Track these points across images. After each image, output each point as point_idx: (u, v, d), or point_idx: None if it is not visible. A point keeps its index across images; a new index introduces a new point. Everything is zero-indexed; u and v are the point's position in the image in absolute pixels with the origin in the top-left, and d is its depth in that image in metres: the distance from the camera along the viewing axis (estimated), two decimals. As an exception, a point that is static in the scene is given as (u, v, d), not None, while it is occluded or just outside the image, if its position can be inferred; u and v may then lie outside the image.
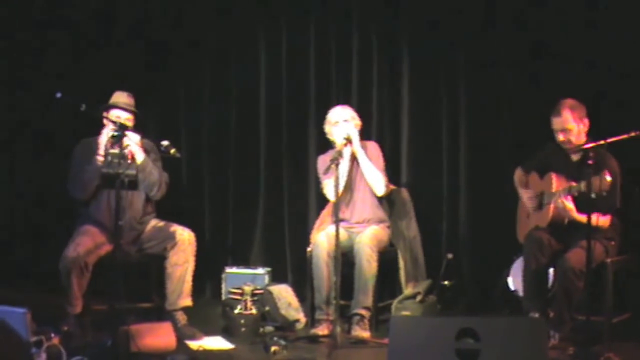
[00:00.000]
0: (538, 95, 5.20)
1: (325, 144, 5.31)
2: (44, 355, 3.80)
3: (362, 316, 4.82)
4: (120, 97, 4.89)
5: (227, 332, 4.87)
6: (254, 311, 4.91)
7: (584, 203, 4.29)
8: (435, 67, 5.57)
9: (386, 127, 5.73)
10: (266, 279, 5.52)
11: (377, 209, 5.16)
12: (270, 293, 5.12)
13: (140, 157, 4.79)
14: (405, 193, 5.37)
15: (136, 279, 4.96)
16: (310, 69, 5.87)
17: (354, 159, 5.08)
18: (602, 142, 4.19)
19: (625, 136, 4.15)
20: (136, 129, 4.77)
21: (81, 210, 4.95)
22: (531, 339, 3.60)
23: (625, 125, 4.21)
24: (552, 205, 4.57)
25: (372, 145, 5.19)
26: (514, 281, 5.06)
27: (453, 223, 5.57)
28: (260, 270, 5.57)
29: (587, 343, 4.21)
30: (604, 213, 4.45)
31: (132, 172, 4.66)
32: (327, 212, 5.29)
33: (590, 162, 4.13)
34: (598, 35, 5.08)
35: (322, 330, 4.79)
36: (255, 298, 5.02)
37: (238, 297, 5.02)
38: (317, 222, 5.33)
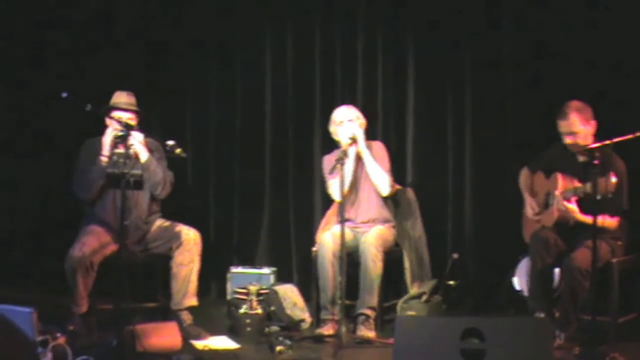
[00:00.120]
0: (541, 95, 5.19)
1: (331, 144, 5.30)
2: (49, 355, 3.80)
3: (368, 316, 4.82)
4: (121, 97, 4.89)
5: (232, 332, 4.87)
6: (259, 311, 4.90)
7: (589, 205, 4.28)
8: (440, 67, 5.56)
9: (391, 127, 5.73)
10: (271, 278, 5.50)
11: (383, 208, 5.16)
12: (275, 293, 5.11)
13: (144, 155, 4.80)
14: (410, 193, 5.36)
15: (141, 279, 4.98)
16: (315, 69, 5.87)
17: (359, 158, 5.08)
18: (607, 142, 4.17)
19: (631, 136, 4.13)
20: (139, 127, 4.77)
21: (87, 210, 4.96)
22: (537, 339, 3.59)
23: (625, 126, 4.20)
24: (556, 207, 4.56)
25: (378, 145, 5.19)
26: (520, 281, 5.04)
27: (458, 223, 5.57)
28: (266, 270, 5.56)
29: (593, 343, 4.20)
30: (611, 215, 4.44)
31: (137, 171, 4.68)
32: (332, 212, 5.29)
33: (596, 162, 4.11)
34: (598, 35, 5.08)
35: (327, 330, 4.79)
36: (261, 298, 5.01)
37: (243, 297, 5.02)
38: (323, 222, 5.32)
